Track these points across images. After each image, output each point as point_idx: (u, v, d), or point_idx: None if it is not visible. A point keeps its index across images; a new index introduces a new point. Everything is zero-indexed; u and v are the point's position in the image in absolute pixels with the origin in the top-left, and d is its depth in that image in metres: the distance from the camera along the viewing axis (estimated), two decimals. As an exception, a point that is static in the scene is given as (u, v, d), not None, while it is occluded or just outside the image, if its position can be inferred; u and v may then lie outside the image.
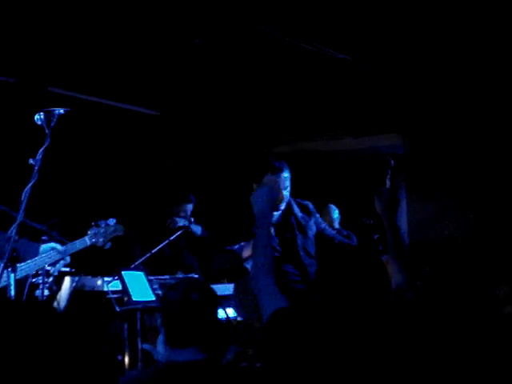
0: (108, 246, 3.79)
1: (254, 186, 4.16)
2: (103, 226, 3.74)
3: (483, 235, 7.45)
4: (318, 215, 4.42)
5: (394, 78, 6.22)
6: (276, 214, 4.02)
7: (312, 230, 4.23)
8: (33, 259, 3.63)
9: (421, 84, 6.41)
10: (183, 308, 2.38)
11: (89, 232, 3.70)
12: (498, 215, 7.17)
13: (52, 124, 3.23)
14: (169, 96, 6.85)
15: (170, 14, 4.90)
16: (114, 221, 3.79)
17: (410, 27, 5.22)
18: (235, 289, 4.27)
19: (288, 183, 4.19)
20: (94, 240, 3.68)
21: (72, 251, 3.62)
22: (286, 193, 4.15)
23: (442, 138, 7.19)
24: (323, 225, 4.38)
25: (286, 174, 4.18)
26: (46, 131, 3.24)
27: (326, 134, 7.62)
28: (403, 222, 7.35)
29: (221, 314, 5.37)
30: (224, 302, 5.84)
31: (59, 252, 3.60)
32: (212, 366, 2.32)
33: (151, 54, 5.68)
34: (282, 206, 4.10)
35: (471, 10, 4.93)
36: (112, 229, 3.77)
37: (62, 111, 3.24)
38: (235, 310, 4.42)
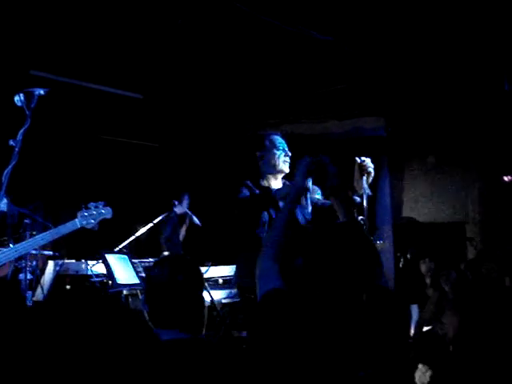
0: (97, 228, 3.79)
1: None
2: (93, 208, 3.74)
3: (466, 218, 7.52)
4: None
5: (377, 60, 6.22)
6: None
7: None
8: (26, 241, 3.65)
9: (405, 67, 6.42)
10: (168, 289, 2.32)
11: (78, 214, 3.70)
12: (484, 197, 7.24)
13: (32, 105, 3.21)
14: (152, 79, 6.80)
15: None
16: (103, 203, 3.79)
17: (395, 10, 5.22)
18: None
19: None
20: (84, 222, 3.67)
21: (62, 233, 3.61)
22: None
23: (425, 121, 7.22)
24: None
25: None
26: (26, 112, 3.21)
27: (310, 116, 7.63)
28: (386, 204, 7.40)
29: (206, 296, 5.39)
30: (209, 284, 5.89)
31: (50, 234, 3.60)
32: (196, 344, 2.30)
33: (134, 36, 5.63)
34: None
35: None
36: (102, 211, 3.77)
37: (42, 92, 3.21)
38: (235, 281, 4.41)
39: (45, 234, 3.57)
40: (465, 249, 7.46)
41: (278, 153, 4.19)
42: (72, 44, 5.70)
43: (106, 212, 3.77)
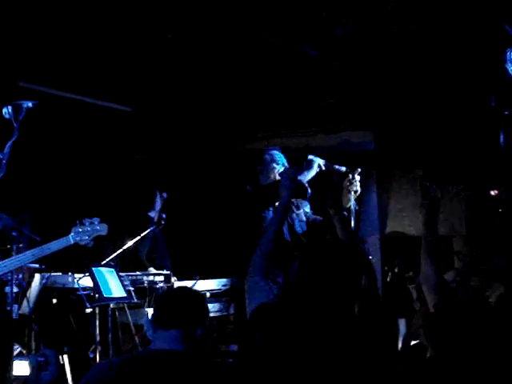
0: (91, 244, 3.76)
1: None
2: (87, 224, 3.71)
3: (453, 231, 7.55)
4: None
5: (365, 74, 6.26)
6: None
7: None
8: (15, 256, 3.62)
9: (392, 81, 6.47)
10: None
11: (72, 230, 3.67)
12: (471, 211, 7.27)
13: (20, 117, 3.20)
14: (141, 92, 6.81)
15: (142, 9, 4.88)
16: (99, 220, 3.76)
17: (383, 25, 5.26)
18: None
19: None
20: (77, 238, 3.64)
21: (54, 250, 3.57)
22: None
23: (413, 135, 7.26)
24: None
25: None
26: (14, 125, 3.21)
27: (297, 130, 7.65)
28: (374, 217, 7.42)
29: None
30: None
31: (40, 250, 3.56)
32: (187, 358, 2.29)
33: (123, 49, 5.64)
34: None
35: (439, 13, 5.00)
36: (97, 228, 3.74)
37: (30, 104, 3.21)
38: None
39: (35, 249, 3.54)
40: (452, 262, 7.48)
41: (277, 167, 4.33)
42: (61, 56, 5.70)
43: (101, 229, 3.75)
